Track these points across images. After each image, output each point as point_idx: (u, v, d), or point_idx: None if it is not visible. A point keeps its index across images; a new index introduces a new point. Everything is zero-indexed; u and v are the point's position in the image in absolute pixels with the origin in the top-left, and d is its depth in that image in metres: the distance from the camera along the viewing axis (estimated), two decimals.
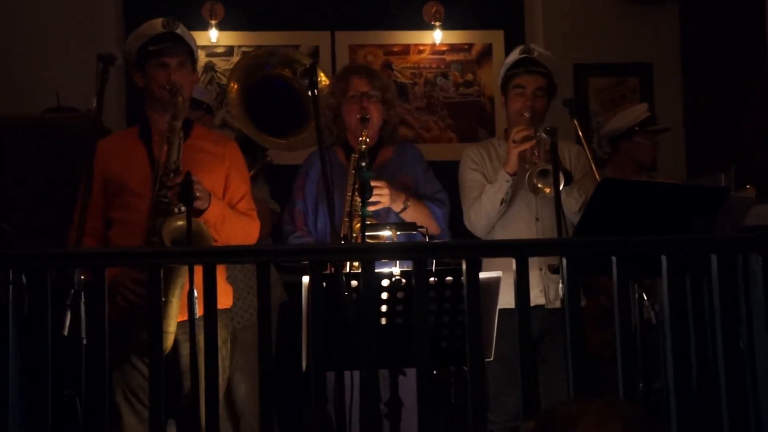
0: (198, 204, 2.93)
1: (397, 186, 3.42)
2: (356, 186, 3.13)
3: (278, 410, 3.90)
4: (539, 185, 3.33)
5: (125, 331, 2.93)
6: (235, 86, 3.98)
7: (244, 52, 4.93)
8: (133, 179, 3.10)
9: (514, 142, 3.42)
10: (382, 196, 3.31)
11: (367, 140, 3.30)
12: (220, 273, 3.05)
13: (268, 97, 3.81)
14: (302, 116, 3.85)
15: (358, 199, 3.04)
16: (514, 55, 3.61)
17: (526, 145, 3.40)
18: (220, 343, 2.58)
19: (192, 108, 3.96)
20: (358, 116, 3.38)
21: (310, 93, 3.03)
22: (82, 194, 2.96)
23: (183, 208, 2.90)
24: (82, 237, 2.82)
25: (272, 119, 3.86)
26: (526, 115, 3.47)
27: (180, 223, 2.89)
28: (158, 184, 3.01)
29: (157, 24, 3.19)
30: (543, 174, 3.32)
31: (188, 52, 3.21)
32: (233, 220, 3.14)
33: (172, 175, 3.00)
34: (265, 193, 4.03)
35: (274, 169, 4.06)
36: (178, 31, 3.19)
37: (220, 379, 2.89)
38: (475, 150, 3.66)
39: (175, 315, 2.92)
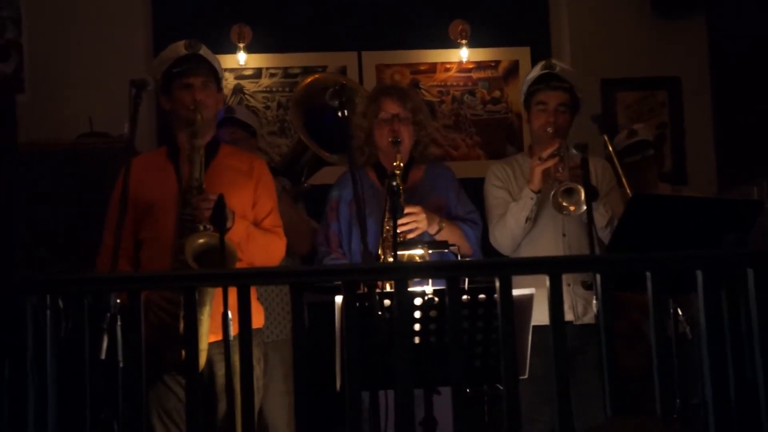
0: None
1: (431, 208, 3.41)
2: (387, 206, 3.14)
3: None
4: (564, 203, 3.32)
5: (159, 352, 2.95)
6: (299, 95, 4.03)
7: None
8: (162, 199, 3.12)
9: (540, 159, 3.41)
10: (418, 222, 3.30)
11: (401, 164, 3.31)
12: (252, 293, 3.06)
13: (326, 118, 3.81)
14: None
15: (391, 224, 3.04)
16: (536, 70, 3.60)
17: (550, 163, 3.39)
18: (254, 362, 2.59)
19: (236, 127, 4.00)
20: (389, 140, 3.38)
21: (339, 114, 3.05)
22: (113, 216, 2.99)
23: (208, 226, 2.93)
24: (117, 259, 2.85)
25: (327, 135, 3.87)
26: (549, 130, 3.47)
27: (202, 240, 2.91)
28: (182, 203, 3.04)
29: (179, 46, 3.22)
30: (568, 192, 3.31)
31: (212, 72, 3.22)
32: (258, 238, 3.14)
33: (195, 192, 3.03)
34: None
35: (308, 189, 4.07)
36: (201, 52, 3.21)
37: (256, 399, 2.90)
38: (500, 167, 3.65)
39: (206, 332, 2.94)
